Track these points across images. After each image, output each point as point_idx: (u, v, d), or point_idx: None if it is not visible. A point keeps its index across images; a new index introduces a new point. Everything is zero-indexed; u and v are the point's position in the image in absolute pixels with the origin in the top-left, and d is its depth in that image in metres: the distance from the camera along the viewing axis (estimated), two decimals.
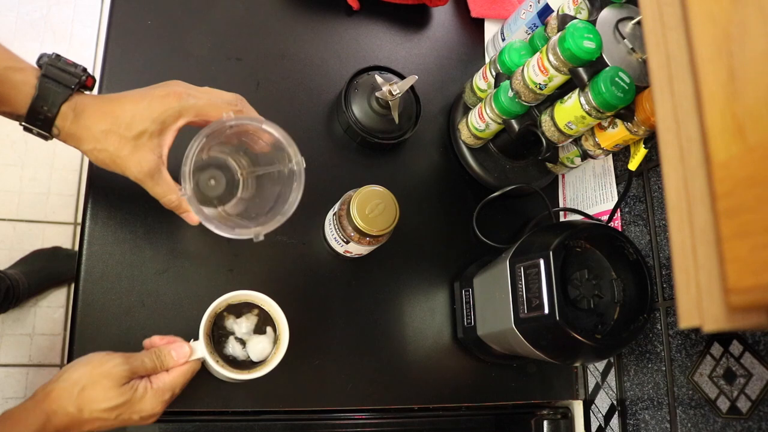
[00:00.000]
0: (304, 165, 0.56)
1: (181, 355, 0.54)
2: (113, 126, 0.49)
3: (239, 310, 0.60)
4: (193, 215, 0.54)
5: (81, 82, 0.50)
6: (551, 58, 0.60)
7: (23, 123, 0.50)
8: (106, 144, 0.50)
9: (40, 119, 0.49)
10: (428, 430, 0.74)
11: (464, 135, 0.76)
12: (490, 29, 0.88)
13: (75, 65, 0.51)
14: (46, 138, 0.52)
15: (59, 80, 0.49)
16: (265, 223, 0.55)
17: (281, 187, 0.57)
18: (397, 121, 0.72)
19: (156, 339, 0.56)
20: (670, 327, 0.65)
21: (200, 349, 0.56)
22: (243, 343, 0.60)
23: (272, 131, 0.57)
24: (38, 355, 1.32)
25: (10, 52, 0.50)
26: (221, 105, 0.54)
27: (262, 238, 0.53)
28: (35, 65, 0.50)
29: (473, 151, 0.77)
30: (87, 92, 0.52)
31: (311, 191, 0.70)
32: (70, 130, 0.50)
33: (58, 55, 0.51)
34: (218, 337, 0.59)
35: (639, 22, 0.61)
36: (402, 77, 0.74)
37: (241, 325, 0.60)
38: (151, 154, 0.51)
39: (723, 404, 0.58)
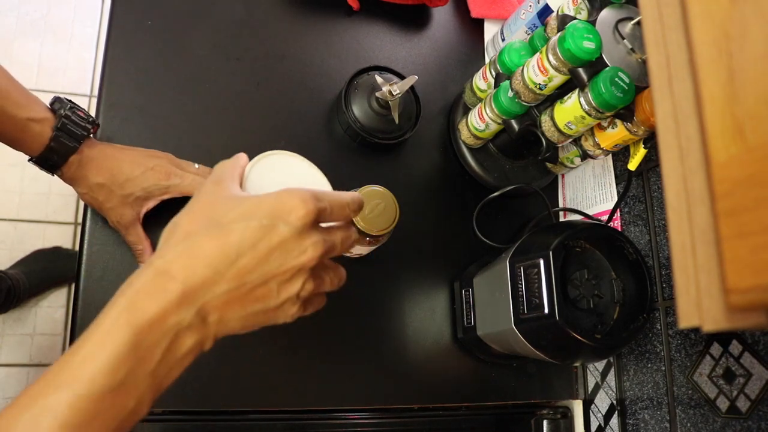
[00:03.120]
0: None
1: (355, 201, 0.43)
2: (108, 182, 0.57)
3: None
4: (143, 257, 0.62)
5: (89, 134, 0.57)
6: (551, 58, 0.60)
7: (32, 160, 0.56)
8: (98, 194, 0.58)
9: (49, 164, 0.56)
10: (428, 430, 0.74)
11: (464, 135, 0.76)
12: (490, 29, 0.88)
13: (87, 117, 0.57)
14: (51, 174, 0.58)
15: (72, 135, 0.55)
16: None
17: None
18: (397, 121, 0.72)
19: None
20: (670, 327, 0.65)
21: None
22: None
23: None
24: (39, 355, 1.32)
25: (31, 98, 0.55)
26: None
27: None
28: (51, 113, 0.55)
29: (473, 151, 0.77)
30: (92, 137, 0.58)
31: None
32: (72, 175, 0.57)
33: (72, 105, 0.57)
34: None
35: (639, 23, 0.61)
36: (402, 77, 0.75)
37: None
38: (131, 211, 0.59)
39: (722, 404, 0.58)
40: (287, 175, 0.48)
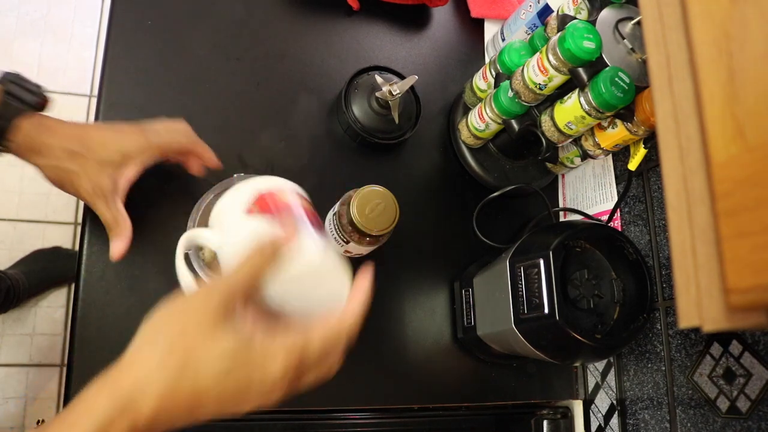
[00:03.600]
0: None
1: (291, 231, 0.40)
2: (78, 147, 0.51)
3: None
4: (117, 247, 0.55)
5: (41, 103, 0.52)
6: (551, 58, 0.60)
7: None
8: (67, 162, 0.51)
9: None
10: (428, 430, 0.74)
11: (464, 135, 0.76)
12: (490, 29, 0.88)
13: (37, 86, 0.52)
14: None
15: (17, 98, 0.50)
16: None
17: None
18: (397, 121, 0.72)
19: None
20: (670, 327, 0.65)
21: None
22: None
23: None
24: (38, 355, 1.32)
25: None
26: (180, 140, 0.57)
27: None
28: None
29: (473, 151, 0.77)
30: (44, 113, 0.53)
31: (311, 191, 0.70)
32: (29, 143, 0.50)
33: (18, 74, 0.52)
34: None
35: (639, 22, 0.61)
36: (402, 77, 0.74)
37: None
38: (108, 179, 0.52)
39: (722, 404, 0.58)
40: (308, 298, 0.43)
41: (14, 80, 0.51)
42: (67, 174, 0.52)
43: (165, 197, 0.65)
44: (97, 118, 0.66)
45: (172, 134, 0.57)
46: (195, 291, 0.37)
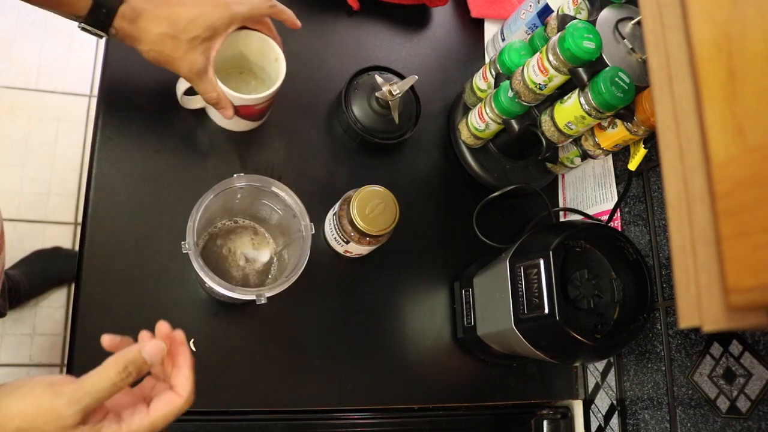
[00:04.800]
0: (312, 231, 0.58)
1: (156, 352, 0.42)
2: (170, 30, 0.55)
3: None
4: (228, 111, 0.61)
5: None
6: (551, 58, 0.60)
7: (81, 24, 0.54)
8: (163, 46, 0.55)
9: (99, 20, 0.54)
10: (428, 430, 0.74)
11: (464, 135, 0.76)
12: (490, 29, 0.88)
13: None
14: (101, 37, 0.56)
15: None
16: (270, 284, 0.56)
17: (297, 251, 0.59)
18: (397, 121, 0.72)
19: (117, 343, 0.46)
20: (670, 327, 0.65)
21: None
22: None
23: (282, 194, 0.58)
24: (39, 355, 1.32)
25: None
26: (261, 7, 0.60)
27: (264, 300, 0.54)
28: None
29: (473, 151, 0.77)
30: None
31: (311, 191, 0.70)
32: (128, 31, 0.55)
33: None
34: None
35: (639, 22, 0.61)
36: (402, 77, 0.74)
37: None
38: (201, 56, 0.57)
39: (723, 404, 0.58)
40: None
41: None
42: (164, 57, 0.56)
43: (165, 197, 0.65)
44: (96, 118, 0.66)
45: (252, 2, 0.60)
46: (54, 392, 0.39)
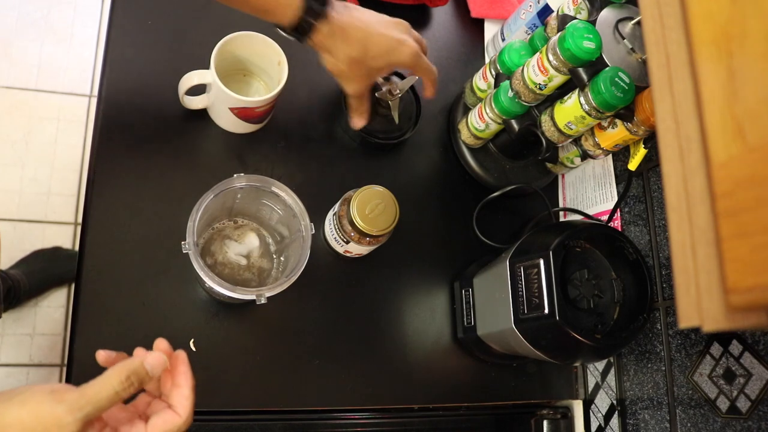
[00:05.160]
0: (312, 231, 0.58)
1: (158, 364, 0.43)
2: (361, 56, 0.59)
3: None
4: (358, 120, 0.67)
5: None
6: (551, 58, 0.60)
7: (283, 31, 0.58)
8: (348, 65, 0.59)
9: (300, 33, 0.57)
10: (428, 430, 0.74)
11: (464, 135, 0.76)
12: (490, 29, 0.88)
13: None
14: (299, 41, 0.59)
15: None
16: (270, 284, 0.56)
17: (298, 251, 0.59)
18: (397, 121, 0.72)
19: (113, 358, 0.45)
20: (670, 327, 0.65)
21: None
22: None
23: (282, 194, 0.58)
24: (39, 355, 1.32)
25: None
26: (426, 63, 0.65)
27: (264, 300, 0.54)
28: None
29: (473, 151, 0.77)
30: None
31: (311, 191, 0.70)
32: (323, 43, 0.58)
33: None
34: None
35: (639, 22, 0.61)
36: (402, 77, 0.74)
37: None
38: (369, 82, 0.63)
39: (723, 404, 0.58)
40: None
41: None
42: (343, 74, 0.61)
43: (165, 197, 0.65)
44: (96, 118, 0.66)
45: (428, 67, 0.65)
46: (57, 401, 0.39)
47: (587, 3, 0.66)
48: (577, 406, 0.77)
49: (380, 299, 0.72)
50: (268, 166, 0.71)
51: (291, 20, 0.55)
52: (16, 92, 1.41)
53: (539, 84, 0.63)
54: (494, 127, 0.72)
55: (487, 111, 0.70)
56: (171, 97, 0.66)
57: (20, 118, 1.40)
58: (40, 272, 1.30)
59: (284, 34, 0.58)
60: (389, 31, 0.60)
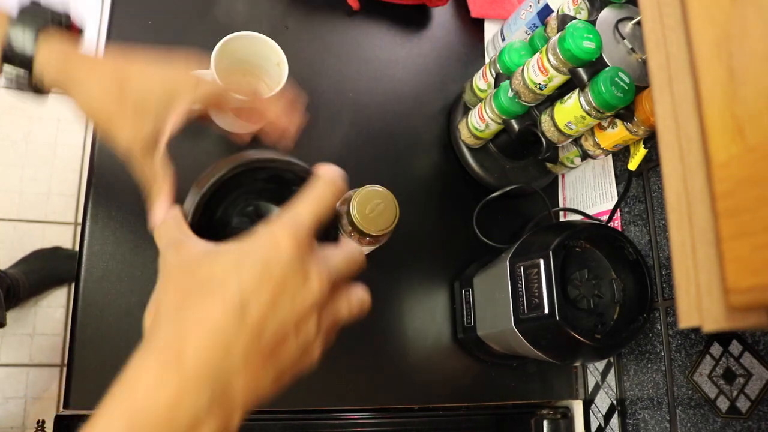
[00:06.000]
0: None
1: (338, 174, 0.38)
2: (116, 84, 0.44)
3: None
4: (156, 214, 0.46)
5: (63, 22, 0.45)
6: (551, 58, 0.60)
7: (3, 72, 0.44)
8: (105, 101, 0.44)
9: (17, 61, 0.44)
10: (428, 430, 0.74)
11: (464, 135, 0.76)
12: (490, 29, 0.88)
13: (63, 12, 0.46)
14: (35, 93, 0.46)
15: (37, 15, 0.44)
16: None
17: None
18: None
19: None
20: (670, 327, 0.65)
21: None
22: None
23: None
24: (39, 355, 1.32)
25: None
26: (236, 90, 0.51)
27: None
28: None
29: (473, 151, 0.77)
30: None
31: None
32: (58, 74, 0.45)
33: (35, 2, 0.45)
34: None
35: (639, 22, 0.61)
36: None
37: None
38: (150, 125, 0.44)
39: (722, 404, 0.58)
40: None
41: (33, 1, 0.44)
42: (104, 116, 0.45)
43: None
44: None
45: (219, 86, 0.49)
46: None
47: (587, 3, 0.66)
48: (577, 406, 0.77)
49: (380, 299, 0.72)
50: None
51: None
52: (16, 92, 1.41)
53: (539, 84, 0.63)
54: (494, 127, 0.72)
55: (487, 111, 0.70)
56: None
57: (20, 118, 1.40)
58: (40, 272, 1.30)
59: (13, 84, 0.46)
60: (157, 66, 0.47)
